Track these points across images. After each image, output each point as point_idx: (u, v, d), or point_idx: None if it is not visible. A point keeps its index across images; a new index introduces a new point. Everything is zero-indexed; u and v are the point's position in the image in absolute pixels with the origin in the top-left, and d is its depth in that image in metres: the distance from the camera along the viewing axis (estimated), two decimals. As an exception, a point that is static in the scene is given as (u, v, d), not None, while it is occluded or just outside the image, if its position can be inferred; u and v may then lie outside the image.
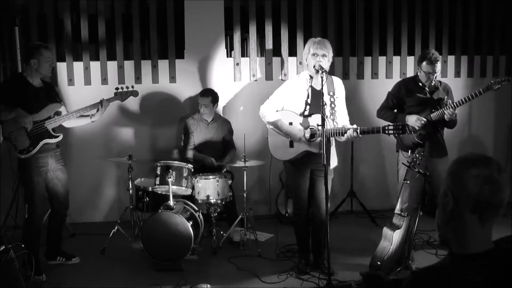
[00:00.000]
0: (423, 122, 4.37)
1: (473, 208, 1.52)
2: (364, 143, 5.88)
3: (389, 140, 5.82)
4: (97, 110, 4.24)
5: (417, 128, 4.38)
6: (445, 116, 4.31)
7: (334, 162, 4.08)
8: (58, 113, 4.20)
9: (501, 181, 1.52)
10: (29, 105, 4.03)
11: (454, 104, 4.28)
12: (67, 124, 4.28)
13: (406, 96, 4.54)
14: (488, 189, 1.51)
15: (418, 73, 4.49)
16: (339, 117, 3.96)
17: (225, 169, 5.11)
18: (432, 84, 4.44)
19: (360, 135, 3.73)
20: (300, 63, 5.68)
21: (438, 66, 4.37)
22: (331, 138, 3.92)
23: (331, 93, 3.91)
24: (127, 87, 4.41)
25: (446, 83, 4.63)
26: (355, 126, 3.77)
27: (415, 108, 4.49)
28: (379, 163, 6.06)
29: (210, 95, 5.29)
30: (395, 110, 4.65)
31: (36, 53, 4.03)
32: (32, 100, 4.06)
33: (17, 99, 4.01)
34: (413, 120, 4.40)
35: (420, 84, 4.47)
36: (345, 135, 3.76)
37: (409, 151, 4.29)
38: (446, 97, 4.42)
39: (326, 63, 3.88)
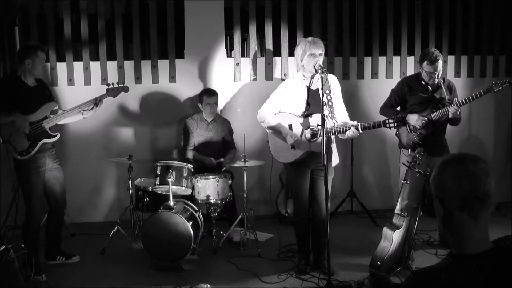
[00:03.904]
0: (424, 121, 4.38)
1: (459, 206, 1.53)
2: (364, 143, 5.88)
3: (389, 140, 5.83)
4: (91, 109, 4.21)
5: (418, 127, 4.40)
6: (449, 114, 4.30)
7: (335, 160, 4.08)
8: (53, 112, 4.20)
9: (479, 172, 1.52)
10: (25, 106, 4.03)
11: (459, 102, 4.26)
12: (61, 121, 4.27)
13: (408, 94, 4.54)
14: (467, 183, 1.51)
15: (421, 72, 4.48)
16: (338, 114, 3.97)
17: (224, 168, 5.11)
18: (435, 82, 4.42)
19: (361, 131, 3.74)
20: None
21: (439, 65, 4.34)
22: (332, 136, 3.92)
23: (327, 91, 3.90)
24: (117, 83, 4.39)
25: (450, 80, 4.61)
26: (355, 122, 3.77)
27: (417, 107, 4.49)
28: (379, 163, 6.05)
29: (216, 94, 5.32)
30: (398, 108, 4.66)
31: (32, 54, 4.02)
32: (28, 100, 4.05)
33: (13, 100, 4.00)
34: (414, 119, 4.41)
35: (423, 82, 4.46)
36: (346, 132, 3.76)
37: (409, 150, 4.29)
38: (447, 96, 4.39)
39: (321, 62, 3.89)
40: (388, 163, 5.99)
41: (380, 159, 6.03)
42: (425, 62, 4.35)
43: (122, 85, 4.40)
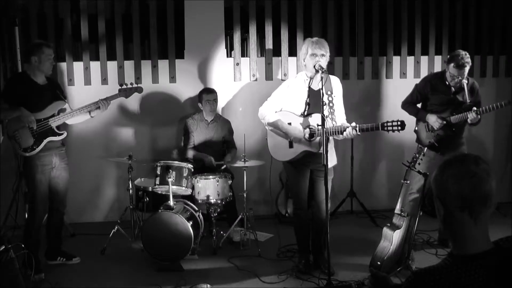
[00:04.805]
0: (443, 123, 4.37)
1: (460, 206, 1.53)
2: (364, 143, 5.88)
3: (389, 140, 5.83)
4: (98, 108, 4.22)
5: (436, 128, 4.41)
6: (468, 120, 4.32)
7: (333, 160, 4.07)
8: (62, 111, 4.20)
9: (481, 172, 1.52)
10: (33, 103, 4.04)
11: (479, 111, 4.26)
12: (68, 121, 4.28)
13: (430, 93, 4.52)
14: (468, 183, 1.51)
15: (446, 72, 4.43)
16: (337, 116, 3.97)
17: (224, 166, 5.11)
18: (457, 85, 4.39)
19: (359, 133, 3.73)
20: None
21: (466, 71, 4.29)
22: (329, 137, 3.92)
23: (328, 92, 3.90)
24: (131, 84, 4.38)
25: (474, 81, 4.54)
26: (354, 124, 3.77)
27: (437, 107, 4.48)
28: (379, 163, 6.05)
29: (215, 91, 5.33)
30: (419, 105, 4.65)
31: (37, 51, 4.03)
32: (36, 98, 4.06)
33: (22, 98, 4.02)
34: (433, 120, 4.42)
35: (447, 82, 4.44)
36: (344, 133, 3.76)
37: (425, 148, 4.31)
38: (469, 100, 4.34)
39: (324, 63, 3.88)
40: (388, 163, 5.98)
41: (381, 159, 6.03)
42: (452, 64, 4.30)
43: (136, 85, 4.38)
